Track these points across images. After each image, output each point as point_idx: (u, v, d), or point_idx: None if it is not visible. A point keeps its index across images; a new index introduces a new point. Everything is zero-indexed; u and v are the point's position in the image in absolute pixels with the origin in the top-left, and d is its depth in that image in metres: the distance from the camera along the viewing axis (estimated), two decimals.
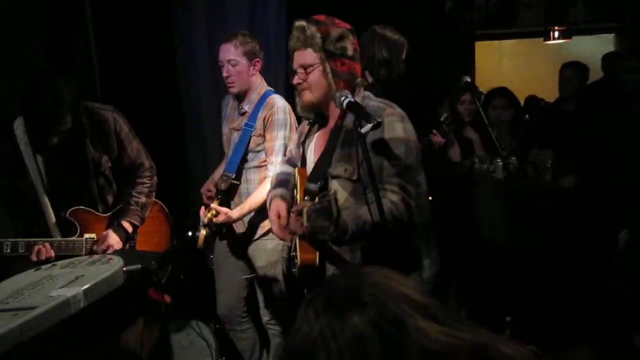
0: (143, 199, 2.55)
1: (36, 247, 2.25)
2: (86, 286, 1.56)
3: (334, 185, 1.89)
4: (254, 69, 2.70)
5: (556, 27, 5.63)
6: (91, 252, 2.37)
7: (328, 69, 1.91)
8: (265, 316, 2.90)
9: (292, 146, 2.34)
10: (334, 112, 2.00)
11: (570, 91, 3.96)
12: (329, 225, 1.56)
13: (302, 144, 2.18)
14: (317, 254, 1.87)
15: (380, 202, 1.66)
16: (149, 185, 2.60)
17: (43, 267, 1.89)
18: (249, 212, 2.68)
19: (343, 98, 1.78)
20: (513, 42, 6.96)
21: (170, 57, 3.56)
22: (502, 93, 3.74)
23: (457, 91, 3.54)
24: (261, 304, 2.90)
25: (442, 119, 3.09)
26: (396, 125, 1.85)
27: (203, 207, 2.65)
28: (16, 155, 2.28)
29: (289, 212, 1.95)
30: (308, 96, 1.98)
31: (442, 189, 3.66)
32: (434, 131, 2.97)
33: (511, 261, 3.04)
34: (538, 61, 6.76)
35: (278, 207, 2.00)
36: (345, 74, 1.94)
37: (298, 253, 1.91)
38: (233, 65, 2.64)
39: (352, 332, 0.78)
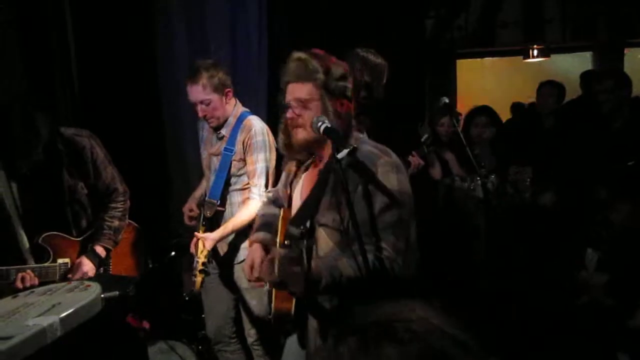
0: (116, 223, 2.56)
1: (20, 275, 2.24)
2: (63, 314, 1.55)
3: (321, 233, 1.81)
4: (226, 98, 2.69)
5: (535, 46, 5.76)
6: (65, 279, 2.36)
7: (329, 108, 1.78)
8: (250, 337, 2.89)
9: (279, 186, 2.23)
10: (326, 153, 1.86)
11: (548, 108, 4.04)
12: (298, 275, 1.52)
13: (290, 184, 2.08)
14: (294, 302, 1.79)
15: (366, 256, 1.59)
16: (121, 209, 2.60)
17: (20, 294, 1.89)
18: (232, 232, 2.68)
19: (320, 123, 1.73)
20: (493, 60, 7.10)
21: (152, 79, 3.58)
22: (484, 111, 3.79)
23: (437, 112, 3.59)
24: (246, 326, 2.89)
25: (422, 139, 3.13)
26: (390, 177, 1.75)
27: (193, 245, 2.62)
28: None
29: (263, 262, 1.90)
30: (302, 134, 1.82)
31: (422, 207, 3.72)
32: (413, 152, 3.00)
33: (490, 278, 3.08)
34: (518, 79, 6.90)
35: (253, 257, 1.95)
36: (345, 115, 1.83)
37: (273, 301, 1.85)
38: (207, 105, 2.63)
39: None
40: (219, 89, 2.63)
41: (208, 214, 2.69)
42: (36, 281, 2.26)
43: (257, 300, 2.80)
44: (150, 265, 2.74)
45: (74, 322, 1.57)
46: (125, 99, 3.43)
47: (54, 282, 2.31)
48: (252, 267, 1.93)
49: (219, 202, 2.71)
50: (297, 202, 1.97)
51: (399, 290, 1.72)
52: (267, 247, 1.99)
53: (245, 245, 2.75)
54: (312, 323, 1.88)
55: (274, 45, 3.76)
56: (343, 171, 1.67)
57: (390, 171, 1.76)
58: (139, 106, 3.50)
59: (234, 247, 2.78)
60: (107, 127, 3.20)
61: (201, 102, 2.63)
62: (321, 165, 1.90)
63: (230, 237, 2.76)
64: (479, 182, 3.36)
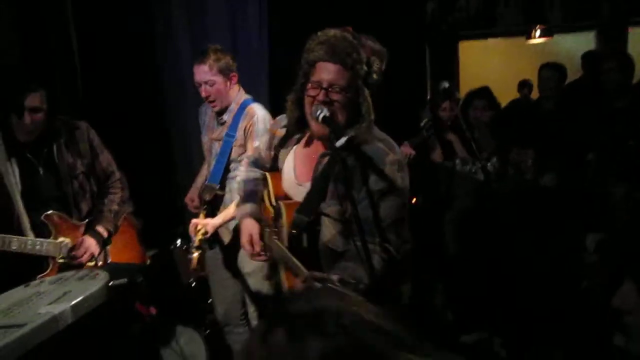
0: (115, 207, 2.62)
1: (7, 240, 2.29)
2: (74, 302, 1.62)
3: (325, 222, 1.83)
4: (230, 83, 2.73)
5: (537, 26, 5.70)
6: (68, 257, 2.42)
7: (356, 95, 1.78)
8: (253, 320, 2.92)
9: (261, 146, 2.21)
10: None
11: (549, 91, 4.03)
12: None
13: (276, 147, 2.07)
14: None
15: (370, 256, 1.61)
16: (120, 195, 2.65)
17: (32, 283, 1.95)
18: (233, 218, 2.69)
19: (319, 112, 1.75)
20: (496, 41, 7.04)
21: (154, 70, 3.61)
22: (482, 94, 3.79)
23: (438, 96, 3.61)
24: (249, 308, 2.92)
25: (422, 124, 3.15)
26: (396, 176, 1.79)
27: (191, 226, 2.65)
28: None
29: (261, 234, 1.95)
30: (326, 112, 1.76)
31: (424, 190, 3.76)
32: (405, 143, 3.03)
33: (493, 262, 3.11)
34: (521, 59, 6.83)
35: (250, 231, 1.96)
36: (364, 100, 1.80)
37: (284, 280, 1.88)
38: (210, 85, 2.67)
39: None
40: (224, 71, 2.68)
41: (207, 197, 2.73)
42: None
43: (259, 283, 2.86)
44: (149, 261, 2.77)
45: (84, 309, 1.63)
46: (127, 89, 3.46)
47: (53, 258, 2.39)
48: (251, 242, 1.95)
49: (218, 186, 2.75)
50: (290, 175, 1.97)
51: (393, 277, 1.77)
52: (257, 219, 2.00)
53: None
54: None
55: (274, 32, 3.78)
56: (342, 160, 1.68)
57: (397, 170, 1.79)
58: (141, 95, 3.53)
59: (236, 232, 2.82)
60: (110, 115, 3.25)
61: (205, 83, 2.66)
62: (321, 148, 1.89)
63: (233, 224, 2.80)
64: (480, 165, 3.39)
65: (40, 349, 1.46)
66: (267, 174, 2.09)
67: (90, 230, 2.52)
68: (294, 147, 2.02)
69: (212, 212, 2.77)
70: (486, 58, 7.46)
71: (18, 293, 1.84)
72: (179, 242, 3.28)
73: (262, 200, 2.11)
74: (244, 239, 1.96)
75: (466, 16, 5.75)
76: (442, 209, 3.61)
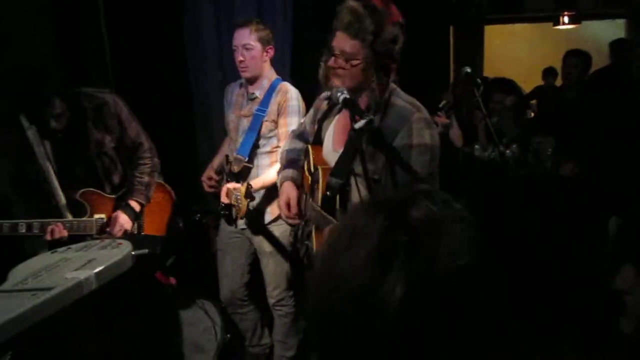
0: (146, 178, 2.68)
1: (49, 227, 2.39)
2: (98, 269, 1.69)
3: (356, 183, 1.90)
4: (266, 55, 2.77)
5: (565, 12, 5.61)
6: (102, 233, 2.51)
7: (371, 70, 1.84)
8: (272, 298, 2.97)
9: (306, 120, 2.31)
10: (361, 103, 1.93)
11: (573, 79, 3.98)
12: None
13: (319, 121, 2.17)
14: None
15: None
16: (150, 165, 2.70)
17: (59, 249, 2.03)
18: (261, 188, 2.76)
19: (339, 94, 1.82)
20: (523, 26, 6.93)
21: (179, 48, 3.65)
22: (502, 87, 3.73)
23: (461, 81, 3.59)
24: (268, 287, 2.98)
25: (440, 105, 3.15)
26: (424, 132, 1.83)
27: (223, 194, 2.70)
28: (25, 143, 2.41)
29: (299, 199, 2.02)
30: (337, 82, 1.89)
31: (441, 174, 3.76)
32: (439, 113, 3.04)
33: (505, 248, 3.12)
34: (548, 46, 6.74)
35: (289, 194, 2.05)
36: (385, 78, 1.88)
37: (314, 243, 1.96)
38: (247, 49, 2.70)
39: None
40: (263, 41, 2.73)
41: (236, 169, 2.76)
42: (65, 233, 2.41)
43: (279, 262, 2.92)
44: (181, 224, 2.85)
45: (107, 277, 1.70)
46: (154, 69, 3.51)
47: (91, 236, 2.48)
48: (288, 205, 2.04)
49: (247, 158, 2.78)
50: (328, 144, 2.06)
51: None
52: (297, 184, 2.10)
53: (269, 209, 2.86)
54: None
55: (297, 14, 3.79)
56: (361, 141, 1.75)
57: (424, 127, 1.84)
58: (167, 75, 3.58)
59: (257, 211, 2.87)
60: (137, 91, 3.30)
61: (243, 46, 2.71)
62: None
63: (256, 200, 2.83)
64: (499, 151, 3.38)
65: (66, 311, 1.53)
66: (309, 146, 2.18)
67: (122, 204, 2.60)
68: (335, 117, 2.10)
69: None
70: (512, 43, 7.36)
71: (46, 258, 1.92)
72: (198, 216, 3.36)
73: (302, 169, 2.19)
74: (282, 201, 2.06)
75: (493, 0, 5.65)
76: (458, 194, 3.61)
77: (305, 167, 2.18)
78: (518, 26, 6.92)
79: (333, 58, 1.86)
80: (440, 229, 0.75)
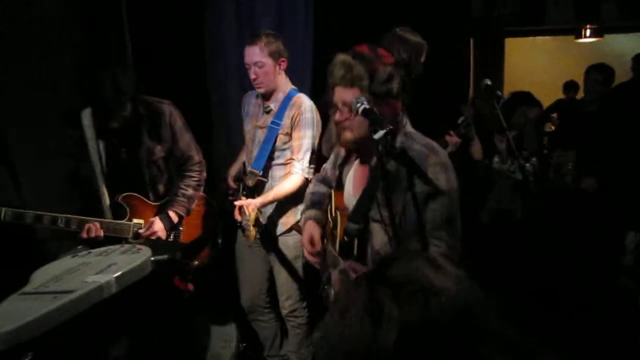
0: (190, 192, 2.70)
1: (87, 225, 2.43)
2: (118, 273, 1.71)
3: (375, 228, 1.90)
4: (279, 68, 2.77)
5: (588, 25, 5.55)
6: (137, 237, 2.55)
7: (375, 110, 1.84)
8: (284, 309, 2.98)
9: (328, 166, 2.34)
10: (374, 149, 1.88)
11: (595, 94, 3.94)
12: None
13: (339, 166, 2.18)
14: None
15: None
16: (197, 179, 2.74)
17: (79, 254, 2.06)
18: (273, 201, 2.77)
19: (359, 105, 1.79)
20: (544, 39, 6.88)
21: (200, 57, 3.69)
22: (526, 100, 3.69)
23: (480, 93, 3.56)
24: (280, 297, 2.98)
25: (459, 121, 3.12)
26: (440, 177, 1.81)
27: (237, 212, 2.70)
28: (81, 141, 2.47)
29: (322, 237, 2.04)
30: (349, 135, 1.90)
31: (461, 186, 3.74)
32: (451, 132, 3.01)
33: (525, 260, 3.09)
34: (569, 59, 6.68)
35: (311, 232, 2.07)
36: (389, 114, 1.88)
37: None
38: (260, 67, 2.70)
39: None
40: (275, 55, 2.72)
41: (250, 183, 2.78)
42: (101, 233, 2.44)
43: (292, 273, 2.92)
44: (220, 240, 2.85)
45: (127, 281, 1.72)
46: (174, 75, 3.54)
47: (126, 239, 2.52)
48: (311, 242, 2.06)
49: (261, 172, 2.80)
50: (349, 189, 2.07)
51: None
52: (320, 224, 2.12)
53: (283, 220, 2.88)
54: None
55: (319, 24, 3.80)
56: (380, 152, 1.73)
57: (440, 171, 1.82)
58: (187, 82, 3.60)
59: (272, 221, 2.89)
60: (156, 96, 3.34)
61: (255, 64, 2.70)
62: (373, 161, 1.96)
63: (270, 211, 2.86)
64: (519, 164, 3.35)
65: (86, 314, 1.55)
66: (332, 191, 2.22)
67: (162, 213, 2.63)
68: (355, 162, 2.11)
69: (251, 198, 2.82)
70: (533, 56, 7.31)
71: (66, 263, 1.95)
72: None
73: (326, 212, 2.23)
74: (305, 238, 2.08)
75: (513, 12, 5.61)
76: (477, 207, 3.59)
77: (328, 213, 2.21)
78: (539, 39, 6.87)
79: (338, 112, 1.89)
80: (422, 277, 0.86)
